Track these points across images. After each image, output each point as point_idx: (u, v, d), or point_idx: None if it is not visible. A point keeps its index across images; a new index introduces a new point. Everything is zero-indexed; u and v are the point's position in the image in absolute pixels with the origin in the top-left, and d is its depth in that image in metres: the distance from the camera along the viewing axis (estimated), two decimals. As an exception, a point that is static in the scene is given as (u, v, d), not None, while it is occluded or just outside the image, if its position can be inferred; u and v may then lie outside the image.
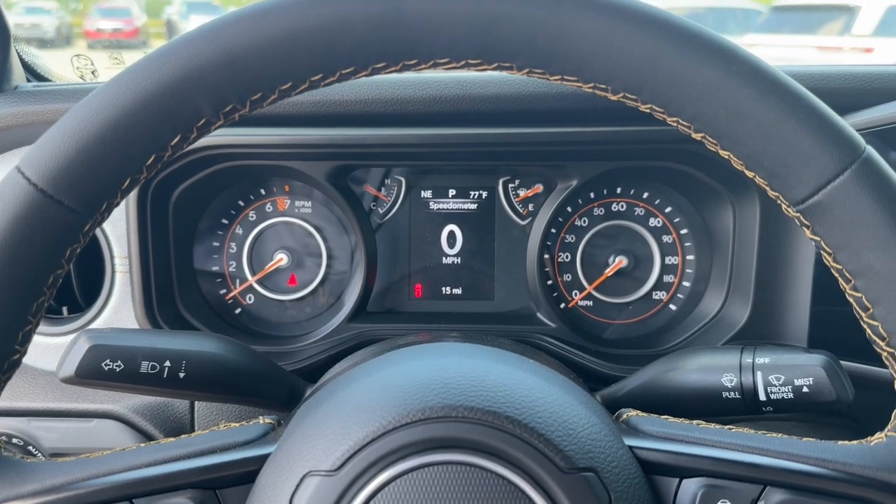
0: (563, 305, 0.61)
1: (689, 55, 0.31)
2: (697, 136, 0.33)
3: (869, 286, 0.32)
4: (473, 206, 0.61)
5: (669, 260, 0.60)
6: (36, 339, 0.50)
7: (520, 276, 0.60)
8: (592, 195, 0.60)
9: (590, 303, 0.61)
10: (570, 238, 0.61)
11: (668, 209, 0.60)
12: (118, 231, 0.58)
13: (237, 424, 0.38)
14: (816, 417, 0.52)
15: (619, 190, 0.60)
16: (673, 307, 0.61)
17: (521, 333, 0.58)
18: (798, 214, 0.32)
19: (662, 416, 0.38)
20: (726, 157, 0.33)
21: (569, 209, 0.60)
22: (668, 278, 0.60)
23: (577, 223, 0.61)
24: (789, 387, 0.42)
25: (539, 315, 0.60)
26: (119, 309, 0.58)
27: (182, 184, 0.57)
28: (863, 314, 0.32)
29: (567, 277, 0.61)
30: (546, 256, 0.61)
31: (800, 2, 7.93)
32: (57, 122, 0.31)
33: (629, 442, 0.35)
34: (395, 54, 0.32)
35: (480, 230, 0.61)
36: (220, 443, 0.36)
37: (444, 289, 0.62)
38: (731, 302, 0.57)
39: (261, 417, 0.39)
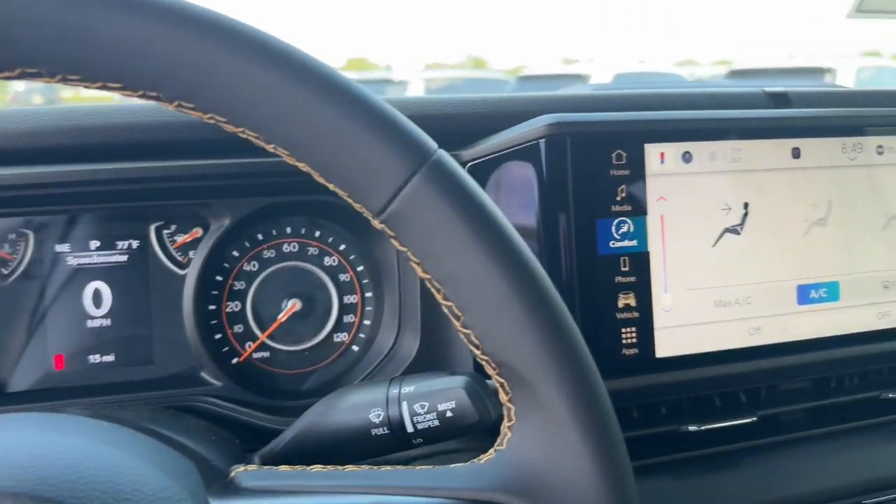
0: (234, 360, 0.55)
1: (244, 57, 0.28)
2: (270, 148, 0.29)
3: (456, 294, 0.30)
4: (123, 258, 0.54)
5: (348, 299, 0.57)
6: None
7: (182, 333, 0.54)
8: (261, 237, 0.56)
9: (266, 354, 0.56)
10: (239, 285, 0.56)
11: (343, 247, 0.57)
12: None
13: None
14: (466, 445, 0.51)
15: (289, 230, 0.57)
16: (355, 348, 0.57)
17: (182, 398, 0.51)
18: (383, 225, 0.30)
19: (280, 467, 0.33)
20: (305, 169, 0.30)
21: (235, 253, 0.55)
22: (348, 318, 0.57)
23: (247, 268, 0.56)
24: (434, 413, 0.40)
25: (203, 375, 0.53)
26: None
27: None
28: (457, 323, 0.31)
29: (238, 329, 0.55)
30: (212, 307, 0.55)
31: (541, 72, 9.07)
32: None
33: None
34: None
35: (132, 285, 0.54)
36: None
37: (91, 357, 0.53)
38: (403, 336, 0.54)
39: None
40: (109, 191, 0.50)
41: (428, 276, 0.30)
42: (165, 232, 0.54)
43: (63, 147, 0.47)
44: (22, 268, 0.52)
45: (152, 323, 0.54)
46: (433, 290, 0.31)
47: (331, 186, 0.30)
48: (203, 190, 0.51)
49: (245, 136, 0.29)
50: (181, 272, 0.54)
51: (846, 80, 7.99)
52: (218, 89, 0.28)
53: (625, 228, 0.48)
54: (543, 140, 0.47)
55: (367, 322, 0.57)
